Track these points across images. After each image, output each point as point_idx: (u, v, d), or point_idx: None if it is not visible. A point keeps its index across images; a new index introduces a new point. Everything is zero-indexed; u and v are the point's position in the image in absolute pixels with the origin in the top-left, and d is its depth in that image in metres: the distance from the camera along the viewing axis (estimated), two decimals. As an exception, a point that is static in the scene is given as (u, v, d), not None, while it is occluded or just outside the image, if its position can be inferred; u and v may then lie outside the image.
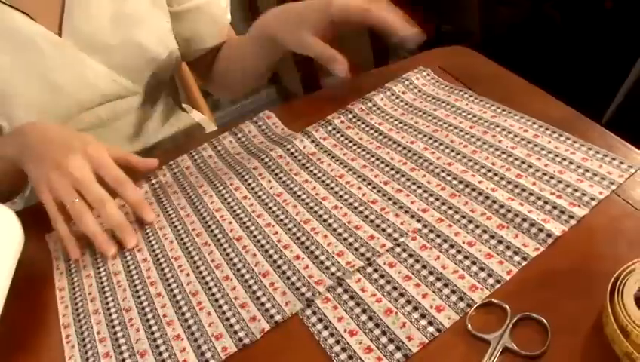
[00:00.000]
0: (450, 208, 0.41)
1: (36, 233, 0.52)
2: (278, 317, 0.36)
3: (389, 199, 0.43)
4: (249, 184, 0.50)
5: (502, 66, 0.58)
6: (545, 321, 0.32)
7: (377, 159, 0.48)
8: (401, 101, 0.55)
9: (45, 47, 0.60)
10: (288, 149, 0.52)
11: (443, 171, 0.45)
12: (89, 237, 0.47)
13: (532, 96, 0.52)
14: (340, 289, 0.37)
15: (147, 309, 0.41)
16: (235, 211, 0.47)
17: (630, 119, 1.56)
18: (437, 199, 0.42)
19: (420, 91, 0.56)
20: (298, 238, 0.42)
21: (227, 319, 0.37)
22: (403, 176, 0.45)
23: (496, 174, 0.43)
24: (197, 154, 0.57)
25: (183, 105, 0.84)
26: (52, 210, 0.48)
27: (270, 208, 0.46)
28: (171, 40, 0.68)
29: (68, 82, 0.62)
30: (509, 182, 0.42)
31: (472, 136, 0.48)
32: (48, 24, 0.60)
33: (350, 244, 0.40)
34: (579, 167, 0.42)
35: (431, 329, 0.33)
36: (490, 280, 0.35)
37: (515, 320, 0.33)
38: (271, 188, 0.49)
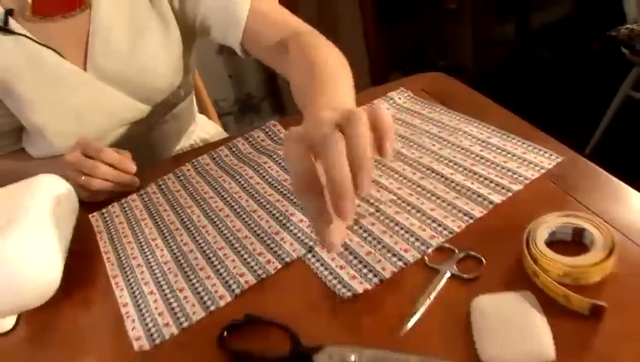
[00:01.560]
0: (418, 186, 0.57)
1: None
2: (287, 259, 0.51)
3: (372, 181, 0.59)
4: (244, 188, 0.65)
5: (479, 93, 0.75)
6: (481, 257, 0.47)
7: None
8: None
9: (72, 80, 0.75)
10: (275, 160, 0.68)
11: (415, 162, 0.61)
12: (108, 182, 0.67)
13: (495, 112, 0.69)
14: (333, 241, 0.52)
15: (182, 260, 0.55)
16: (249, 192, 0.62)
17: (610, 151, 1.75)
18: (409, 181, 0.58)
19: (400, 107, 0.72)
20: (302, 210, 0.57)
21: (248, 263, 0.52)
22: (384, 165, 0.61)
23: (456, 163, 0.59)
24: (197, 162, 0.72)
25: (200, 116, 1.00)
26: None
27: (281, 191, 0.62)
28: (185, 67, 0.83)
29: (91, 110, 0.77)
30: (465, 169, 0.58)
31: (440, 138, 0.64)
32: (74, 59, 0.75)
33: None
34: (519, 158, 0.58)
35: (400, 263, 0.48)
36: (445, 232, 0.50)
37: (460, 256, 0.47)
38: (263, 189, 0.64)
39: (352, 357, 0.38)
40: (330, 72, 0.58)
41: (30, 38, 0.72)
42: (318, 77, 0.57)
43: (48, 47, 0.73)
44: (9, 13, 0.72)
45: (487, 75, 2.20)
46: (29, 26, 0.73)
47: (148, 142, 0.87)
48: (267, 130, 0.76)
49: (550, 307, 0.42)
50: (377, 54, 1.95)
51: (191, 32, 0.81)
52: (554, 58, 2.36)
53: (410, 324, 0.42)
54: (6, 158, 0.85)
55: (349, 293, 0.46)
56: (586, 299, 0.41)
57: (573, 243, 0.47)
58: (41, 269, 0.52)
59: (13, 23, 0.72)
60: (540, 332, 0.40)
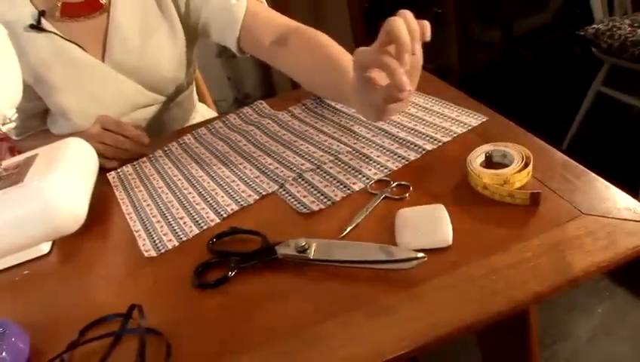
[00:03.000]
0: (369, 141, 0.73)
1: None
2: (263, 193, 0.67)
3: (333, 138, 0.75)
4: (233, 148, 0.82)
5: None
6: (410, 185, 0.63)
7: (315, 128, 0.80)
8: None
9: (93, 70, 0.93)
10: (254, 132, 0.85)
11: (369, 123, 0.77)
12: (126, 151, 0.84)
13: (452, 93, 0.84)
14: (299, 180, 0.68)
15: (183, 200, 0.71)
16: (236, 150, 0.79)
17: (586, 145, 1.90)
18: (362, 137, 0.74)
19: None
20: (283, 159, 0.74)
21: (233, 197, 0.68)
22: (343, 127, 0.77)
23: (400, 124, 0.75)
24: (195, 133, 0.88)
25: (200, 105, 1.17)
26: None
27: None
28: (188, 62, 1.00)
29: (108, 96, 0.94)
30: (406, 127, 0.74)
31: None
32: (94, 53, 0.93)
33: (310, 162, 0.72)
34: (452, 118, 0.74)
35: (348, 191, 0.64)
36: (385, 170, 0.66)
37: (393, 185, 0.63)
38: (248, 148, 0.80)
39: (303, 243, 0.54)
40: (346, 55, 0.75)
41: (59, 35, 0.90)
42: (338, 56, 0.74)
43: (73, 43, 0.90)
44: (42, 14, 0.89)
45: (471, 77, 2.36)
46: (57, 25, 0.90)
47: (156, 126, 1.04)
48: (255, 107, 0.92)
49: (458, 219, 0.57)
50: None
51: (193, 32, 0.98)
52: (537, 60, 2.52)
53: (349, 228, 0.58)
54: (35, 137, 1.02)
55: (307, 211, 0.62)
56: (527, 191, 0.55)
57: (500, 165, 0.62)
58: (71, 204, 0.68)
59: (44, 23, 0.89)
60: (442, 229, 0.55)
